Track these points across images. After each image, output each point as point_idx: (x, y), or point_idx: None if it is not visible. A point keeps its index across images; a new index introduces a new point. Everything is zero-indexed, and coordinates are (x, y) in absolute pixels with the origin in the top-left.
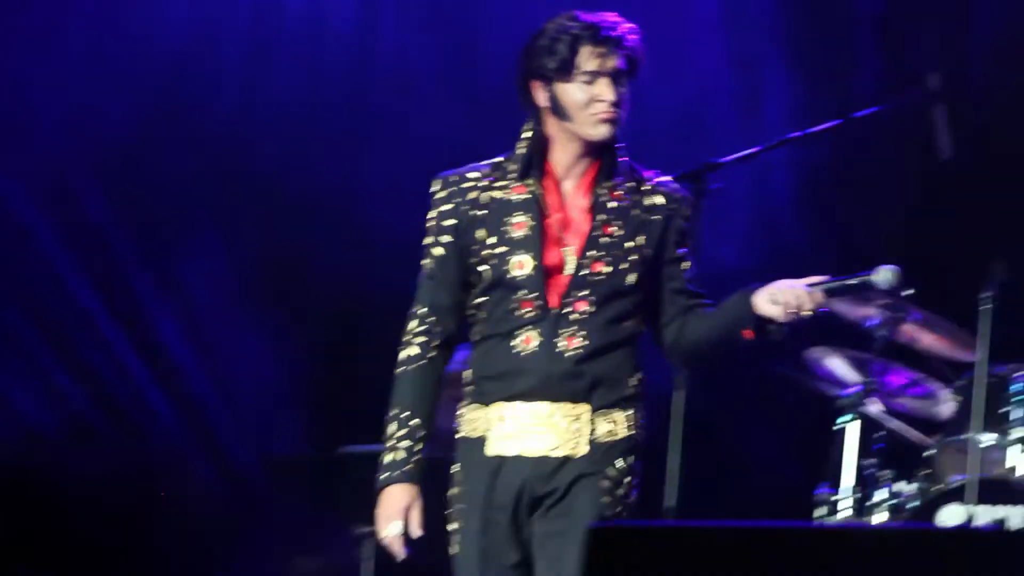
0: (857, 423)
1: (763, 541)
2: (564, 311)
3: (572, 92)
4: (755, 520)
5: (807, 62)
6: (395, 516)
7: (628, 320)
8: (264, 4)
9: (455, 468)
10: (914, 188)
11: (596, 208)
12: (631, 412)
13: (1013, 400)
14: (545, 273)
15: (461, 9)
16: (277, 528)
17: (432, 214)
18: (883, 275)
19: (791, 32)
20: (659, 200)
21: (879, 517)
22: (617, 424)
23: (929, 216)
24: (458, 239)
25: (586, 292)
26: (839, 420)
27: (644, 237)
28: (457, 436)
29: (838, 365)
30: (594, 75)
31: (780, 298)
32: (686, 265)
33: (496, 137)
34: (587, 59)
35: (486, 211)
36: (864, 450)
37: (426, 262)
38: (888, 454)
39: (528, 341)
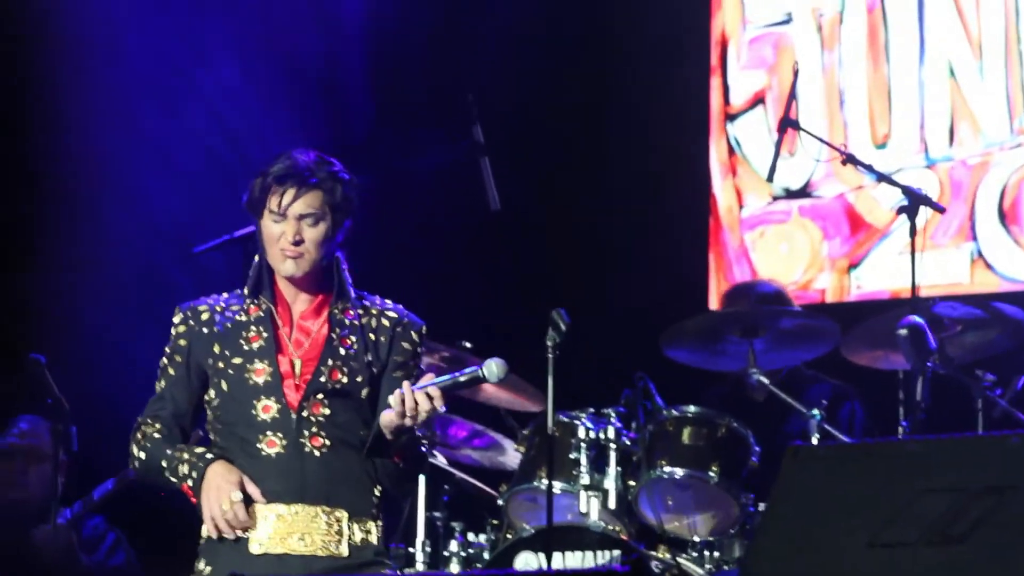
0: (423, 476)
1: None
2: (304, 413)
3: (265, 228)
4: None
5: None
6: (231, 486)
7: (363, 430)
8: None
9: (202, 566)
10: (472, 241)
11: (332, 322)
12: (380, 523)
13: (581, 446)
14: (281, 379)
15: None
16: None
17: (169, 338)
18: (491, 368)
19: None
20: (386, 322)
21: (453, 568)
22: (371, 534)
23: (489, 267)
24: (190, 357)
25: (322, 396)
26: None
27: (374, 354)
28: (207, 536)
29: None
30: (280, 215)
31: (394, 403)
32: (404, 385)
33: None
34: (274, 199)
35: (220, 330)
36: (433, 503)
37: (159, 382)
38: (457, 505)
39: (272, 444)
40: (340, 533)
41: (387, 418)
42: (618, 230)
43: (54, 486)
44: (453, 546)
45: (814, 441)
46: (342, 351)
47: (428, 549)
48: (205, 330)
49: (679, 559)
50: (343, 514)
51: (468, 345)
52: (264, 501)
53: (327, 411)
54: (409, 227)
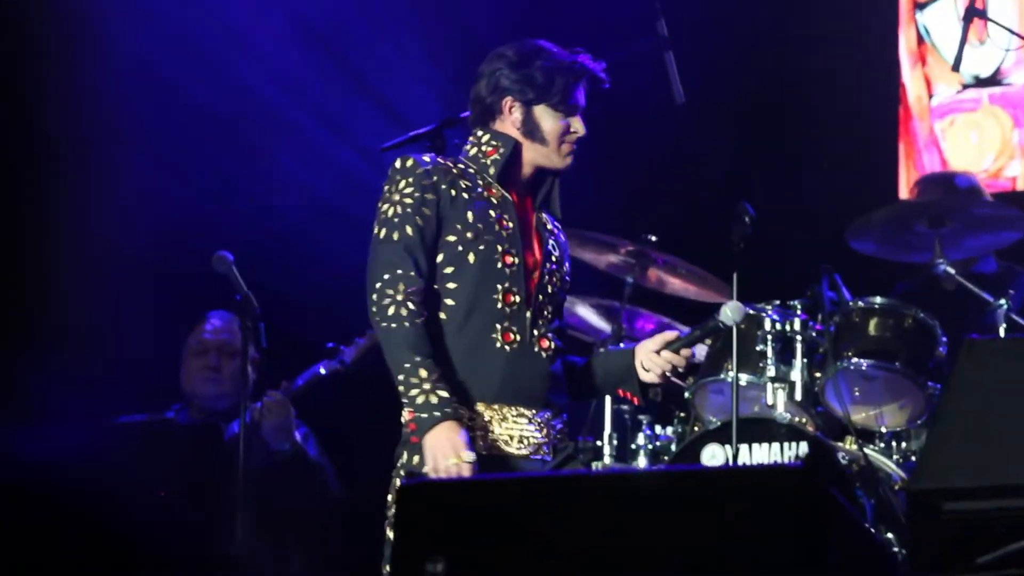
0: None
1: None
2: (535, 311)
3: (552, 120)
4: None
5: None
6: (463, 446)
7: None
8: None
9: (417, 461)
10: (656, 135)
11: (541, 228)
12: (566, 418)
13: (767, 339)
14: (526, 271)
15: None
16: None
17: (407, 187)
18: (726, 313)
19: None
20: (563, 238)
21: (640, 461)
22: (563, 432)
23: (674, 161)
24: (440, 215)
25: (543, 299)
26: None
27: (567, 266)
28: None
29: (586, 313)
30: (574, 109)
31: (650, 365)
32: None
33: None
34: (573, 93)
35: (468, 198)
36: (620, 396)
37: (403, 233)
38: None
39: (508, 337)
40: (548, 437)
41: (646, 377)
42: (805, 120)
43: (245, 381)
44: (640, 439)
45: (1001, 331)
46: (553, 257)
47: (615, 442)
48: (453, 192)
49: (866, 450)
50: (551, 414)
51: (653, 239)
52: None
53: (547, 314)
54: (593, 122)
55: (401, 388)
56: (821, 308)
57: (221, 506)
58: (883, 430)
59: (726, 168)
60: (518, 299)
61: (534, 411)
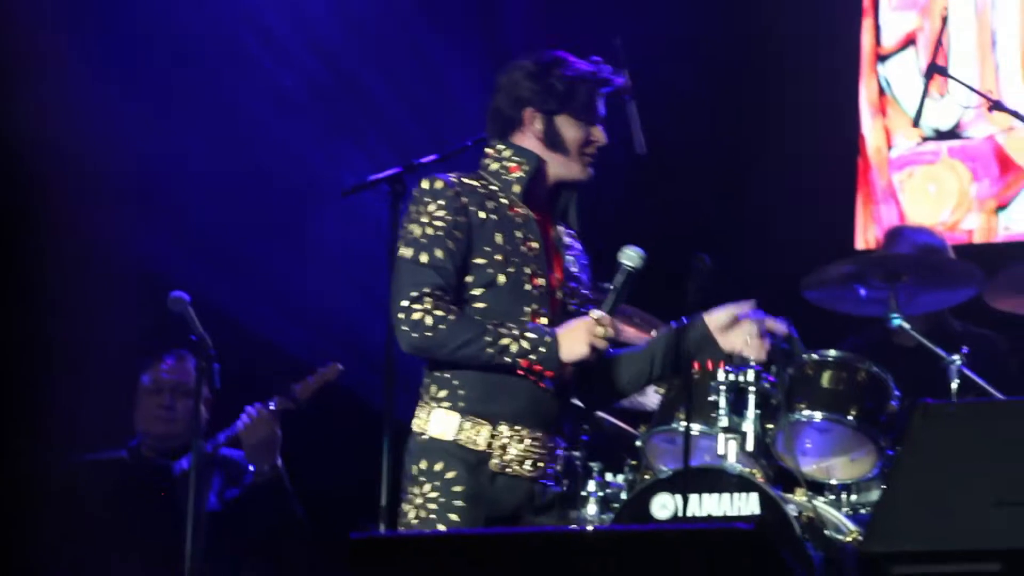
0: None
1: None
2: None
3: (575, 129)
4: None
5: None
6: (583, 323)
7: None
8: None
9: (441, 468)
10: (616, 184)
11: (561, 245)
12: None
13: (720, 389)
14: (550, 292)
15: None
16: None
17: (437, 209)
18: (630, 255)
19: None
20: (579, 246)
21: (590, 509)
22: (564, 460)
23: (632, 210)
24: (466, 238)
25: (568, 320)
26: None
27: (586, 279)
28: (444, 439)
29: None
30: (595, 118)
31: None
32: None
33: None
34: (596, 103)
35: (496, 219)
36: (572, 442)
37: (432, 255)
38: (596, 446)
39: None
40: (558, 465)
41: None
42: (765, 170)
43: (197, 421)
44: (591, 486)
45: (954, 387)
46: (573, 272)
47: (565, 489)
48: (482, 214)
49: (816, 502)
50: (558, 444)
51: (608, 286)
52: None
53: None
54: None
55: (507, 359)
56: (775, 360)
57: (169, 544)
58: (834, 482)
59: (683, 218)
60: (545, 321)
61: (547, 436)
